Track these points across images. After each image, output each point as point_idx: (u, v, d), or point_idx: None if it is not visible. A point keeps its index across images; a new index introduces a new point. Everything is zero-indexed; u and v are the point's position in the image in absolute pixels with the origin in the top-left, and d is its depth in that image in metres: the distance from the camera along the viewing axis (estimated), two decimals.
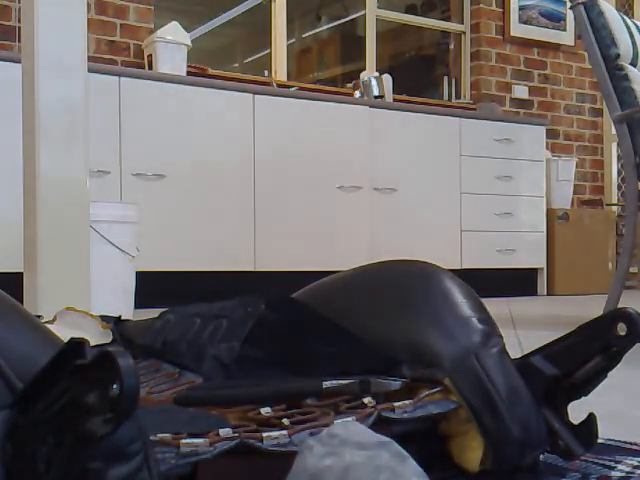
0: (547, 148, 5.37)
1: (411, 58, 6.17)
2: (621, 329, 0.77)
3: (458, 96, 5.63)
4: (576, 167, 5.55)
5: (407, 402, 0.75)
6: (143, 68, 4.22)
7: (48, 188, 1.59)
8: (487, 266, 4.83)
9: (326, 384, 0.77)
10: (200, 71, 4.48)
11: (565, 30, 5.85)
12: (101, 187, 3.52)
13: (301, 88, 4.83)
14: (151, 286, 3.40)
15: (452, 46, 5.79)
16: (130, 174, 3.71)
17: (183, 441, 0.62)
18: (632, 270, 4.80)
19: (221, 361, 0.84)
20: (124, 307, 2.80)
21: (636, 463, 0.87)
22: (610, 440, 0.97)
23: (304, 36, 5.94)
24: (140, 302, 3.01)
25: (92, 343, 0.50)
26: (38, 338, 0.59)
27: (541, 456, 0.82)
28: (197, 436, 0.63)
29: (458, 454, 0.79)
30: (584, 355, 0.79)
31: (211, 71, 4.58)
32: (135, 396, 0.44)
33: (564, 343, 0.81)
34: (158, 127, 3.79)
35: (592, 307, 2.31)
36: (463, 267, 4.65)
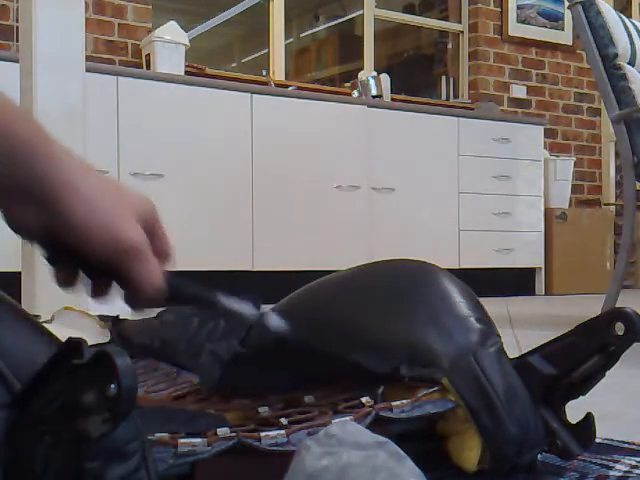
0: (545, 148, 5.37)
1: (409, 58, 6.17)
2: (619, 328, 0.77)
3: (456, 96, 5.63)
4: (574, 167, 5.55)
5: (405, 401, 0.75)
6: (141, 68, 4.22)
7: None
8: (485, 266, 4.83)
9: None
10: (198, 71, 4.47)
11: (563, 30, 5.85)
12: None
13: (299, 88, 4.83)
14: None
15: (450, 46, 5.79)
16: (128, 174, 3.71)
17: (181, 440, 0.61)
18: (630, 269, 4.80)
19: (218, 356, 0.84)
20: (122, 306, 2.80)
21: (634, 463, 0.87)
22: (608, 440, 0.97)
23: (302, 36, 5.94)
24: None
25: (90, 342, 0.50)
26: (36, 338, 0.58)
27: (539, 456, 0.82)
28: (195, 435, 0.62)
29: (456, 454, 0.79)
30: (582, 354, 0.79)
31: (209, 71, 4.58)
32: (133, 396, 0.44)
33: (562, 342, 0.81)
34: (156, 127, 3.79)
35: (590, 306, 2.31)
36: (461, 267, 4.65)
